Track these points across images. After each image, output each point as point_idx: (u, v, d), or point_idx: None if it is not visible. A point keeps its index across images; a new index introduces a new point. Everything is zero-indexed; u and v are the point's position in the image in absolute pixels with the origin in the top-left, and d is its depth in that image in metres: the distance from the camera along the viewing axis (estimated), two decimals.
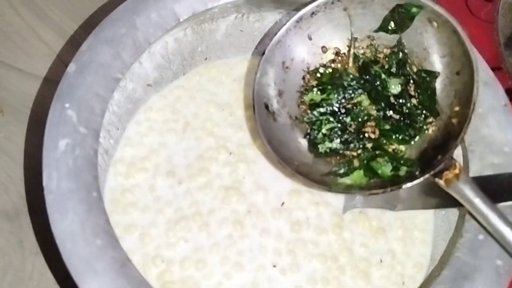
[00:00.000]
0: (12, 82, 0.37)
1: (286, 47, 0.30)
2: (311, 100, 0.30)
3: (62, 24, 0.40)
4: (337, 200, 0.31)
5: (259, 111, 0.29)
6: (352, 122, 0.30)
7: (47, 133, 0.23)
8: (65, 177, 0.22)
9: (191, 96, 0.34)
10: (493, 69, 0.31)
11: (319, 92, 0.30)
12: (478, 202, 0.25)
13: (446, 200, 0.26)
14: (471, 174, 0.27)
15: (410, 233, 0.31)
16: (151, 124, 0.33)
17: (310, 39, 0.30)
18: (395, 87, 0.29)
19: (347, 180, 0.28)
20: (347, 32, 0.30)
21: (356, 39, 0.30)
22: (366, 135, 0.29)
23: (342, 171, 0.28)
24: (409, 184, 0.26)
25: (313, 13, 0.29)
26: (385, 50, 0.30)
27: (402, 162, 0.28)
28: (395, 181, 0.27)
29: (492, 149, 0.28)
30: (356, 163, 0.29)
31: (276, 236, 0.30)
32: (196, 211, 0.30)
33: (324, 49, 0.30)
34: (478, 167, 0.27)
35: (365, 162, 0.29)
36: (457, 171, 0.25)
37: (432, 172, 0.26)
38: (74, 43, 0.39)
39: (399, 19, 0.29)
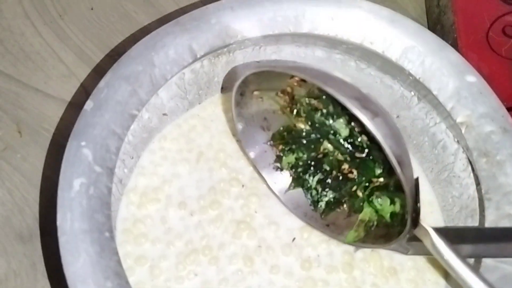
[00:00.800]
0: (31, 102, 0.38)
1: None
2: (288, 163, 0.31)
3: (83, 46, 0.40)
4: None
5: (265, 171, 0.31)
6: (331, 169, 0.30)
7: (63, 172, 0.24)
8: (78, 217, 0.23)
9: (206, 126, 0.34)
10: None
11: (290, 153, 0.31)
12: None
13: (462, 249, 0.26)
14: (487, 224, 0.27)
15: (423, 275, 0.30)
16: (165, 154, 0.33)
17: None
18: (343, 130, 0.29)
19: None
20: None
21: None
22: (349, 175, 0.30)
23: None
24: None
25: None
26: (316, 92, 0.29)
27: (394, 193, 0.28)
28: (395, 221, 0.28)
29: (509, 199, 0.27)
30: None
31: (286, 273, 0.30)
32: (206, 244, 0.30)
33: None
34: (494, 217, 0.27)
35: (365, 201, 0.29)
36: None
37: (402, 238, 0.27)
38: (93, 66, 0.40)
39: None
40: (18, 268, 0.32)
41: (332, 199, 0.30)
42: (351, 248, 0.31)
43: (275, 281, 0.29)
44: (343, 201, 0.30)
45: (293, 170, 0.31)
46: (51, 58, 0.40)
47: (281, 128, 0.31)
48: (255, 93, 0.30)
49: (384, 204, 0.28)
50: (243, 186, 0.32)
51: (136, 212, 0.31)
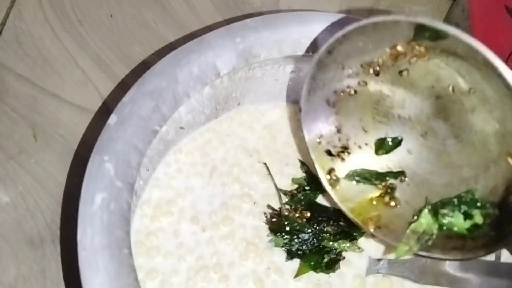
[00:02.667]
0: (47, 107, 0.38)
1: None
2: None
3: (100, 53, 0.41)
4: (360, 261, 0.31)
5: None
6: None
7: (85, 186, 0.24)
8: (98, 233, 0.23)
9: (221, 140, 0.34)
10: None
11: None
12: None
13: (476, 283, 0.26)
14: (503, 259, 0.27)
15: None
16: (179, 167, 0.33)
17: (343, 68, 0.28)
18: None
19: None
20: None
21: None
22: None
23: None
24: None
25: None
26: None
27: (470, 204, 0.26)
28: (476, 233, 0.26)
29: None
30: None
31: None
32: (217, 261, 0.30)
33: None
34: None
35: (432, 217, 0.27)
36: None
37: None
38: (109, 73, 0.40)
39: None
40: (27, 274, 0.32)
41: None
42: (362, 272, 0.31)
43: None
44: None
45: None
46: (68, 64, 0.40)
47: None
48: (341, 58, 0.27)
49: (456, 221, 0.26)
50: (254, 203, 0.32)
51: (149, 224, 0.31)
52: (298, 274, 0.30)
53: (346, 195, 0.30)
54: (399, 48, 0.25)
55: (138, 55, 0.41)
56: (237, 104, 0.35)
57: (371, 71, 0.27)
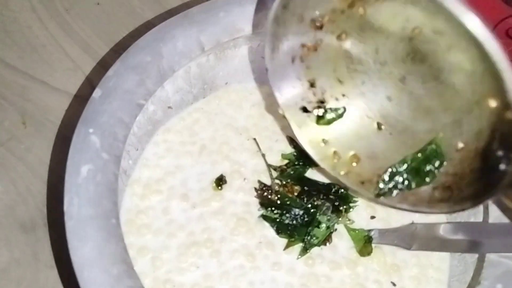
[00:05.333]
0: (36, 94, 0.38)
1: None
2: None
3: (88, 40, 0.41)
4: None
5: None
6: None
7: (70, 158, 0.24)
8: (85, 203, 0.23)
9: (210, 119, 0.34)
10: None
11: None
12: None
13: (466, 244, 0.26)
14: (491, 220, 0.27)
15: (425, 272, 0.30)
16: (168, 146, 0.33)
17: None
18: None
19: None
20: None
21: None
22: None
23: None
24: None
25: None
26: None
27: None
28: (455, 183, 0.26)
29: None
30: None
31: (288, 270, 0.30)
32: (208, 237, 0.30)
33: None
34: (499, 213, 0.27)
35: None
36: None
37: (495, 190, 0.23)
38: (98, 60, 0.40)
39: None
40: (20, 257, 0.32)
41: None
42: (350, 244, 0.31)
43: (277, 278, 0.29)
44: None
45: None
46: (57, 52, 0.40)
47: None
48: (299, 11, 0.26)
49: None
50: (244, 179, 0.32)
51: (139, 203, 0.31)
52: (287, 246, 0.30)
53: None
54: None
55: (126, 41, 0.41)
56: (224, 83, 0.35)
57: (333, 19, 0.26)
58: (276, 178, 0.32)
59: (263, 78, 0.36)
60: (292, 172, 0.32)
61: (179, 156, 0.33)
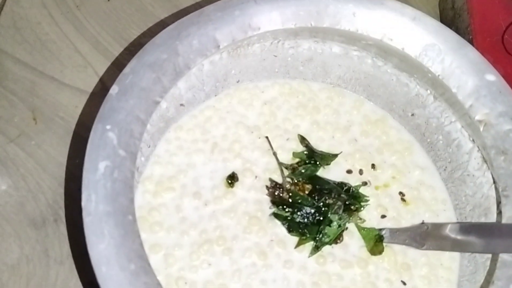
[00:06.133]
0: (46, 90, 0.38)
1: None
2: None
3: (98, 37, 0.41)
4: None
5: None
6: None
7: (88, 154, 0.24)
8: (103, 199, 0.23)
9: (221, 117, 0.34)
10: None
11: None
12: None
13: (478, 245, 0.26)
14: (504, 220, 0.27)
15: (435, 271, 0.31)
16: (180, 143, 0.33)
17: None
18: None
19: None
20: None
21: None
22: None
23: None
24: None
25: None
26: None
27: None
28: None
29: None
30: None
31: (300, 268, 0.30)
32: (220, 235, 0.30)
33: None
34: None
35: None
36: None
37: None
38: (108, 56, 0.40)
39: None
40: (30, 254, 0.32)
41: None
42: (361, 243, 0.31)
43: (290, 276, 0.29)
44: None
45: None
46: (67, 48, 0.40)
47: None
48: None
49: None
50: (256, 177, 0.32)
51: (151, 200, 0.31)
52: (299, 244, 0.30)
53: None
54: None
55: (136, 38, 0.41)
56: (236, 81, 0.35)
57: None
58: (288, 176, 0.32)
59: (274, 76, 0.36)
60: (303, 171, 0.32)
61: (191, 154, 0.33)
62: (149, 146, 0.31)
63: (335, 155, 0.34)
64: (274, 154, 0.33)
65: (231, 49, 0.32)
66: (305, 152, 0.33)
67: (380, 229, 0.31)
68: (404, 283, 0.30)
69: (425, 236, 0.29)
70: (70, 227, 0.33)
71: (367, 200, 0.32)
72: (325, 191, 0.32)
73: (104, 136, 0.24)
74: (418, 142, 0.35)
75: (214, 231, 0.30)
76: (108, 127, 0.25)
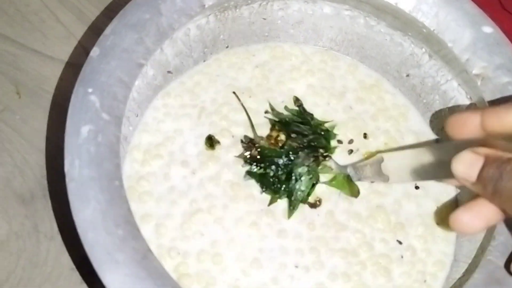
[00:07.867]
0: (28, 64, 0.37)
1: None
2: None
3: (81, 7, 0.39)
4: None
5: None
6: None
7: (70, 118, 0.23)
8: (86, 164, 0.22)
9: (211, 80, 0.33)
10: None
11: None
12: None
13: (437, 171, 0.25)
14: None
15: (432, 231, 0.30)
16: (168, 110, 0.32)
17: None
18: None
19: None
20: None
21: None
22: None
23: None
24: None
25: None
26: None
27: None
28: None
29: None
30: None
31: (295, 236, 0.29)
32: (211, 204, 0.29)
33: None
34: None
35: None
36: None
37: None
38: (92, 26, 0.39)
39: None
40: (19, 230, 0.31)
41: None
42: (351, 207, 0.30)
43: (286, 245, 0.29)
44: None
45: None
46: (49, 19, 0.39)
47: None
48: None
49: None
50: (233, 136, 0.31)
51: (140, 169, 0.30)
52: (271, 202, 0.30)
53: None
54: None
55: (120, 7, 0.39)
56: (225, 47, 0.34)
57: None
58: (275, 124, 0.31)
59: (265, 41, 0.35)
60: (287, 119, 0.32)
61: (178, 119, 0.32)
62: (137, 115, 0.30)
63: (325, 122, 0.33)
64: (245, 110, 0.32)
65: (218, 11, 0.31)
66: (297, 111, 0.33)
67: (343, 167, 0.30)
68: (400, 243, 0.30)
69: (385, 169, 0.28)
70: (57, 204, 0.32)
71: (334, 148, 0.32)
72: (295, 144, 0.31)
73: (85, 99, 0.23)
74: (413, 105, 0.34)
75: (204, 200, 0.29)
76: (89, 90, 0.23)
